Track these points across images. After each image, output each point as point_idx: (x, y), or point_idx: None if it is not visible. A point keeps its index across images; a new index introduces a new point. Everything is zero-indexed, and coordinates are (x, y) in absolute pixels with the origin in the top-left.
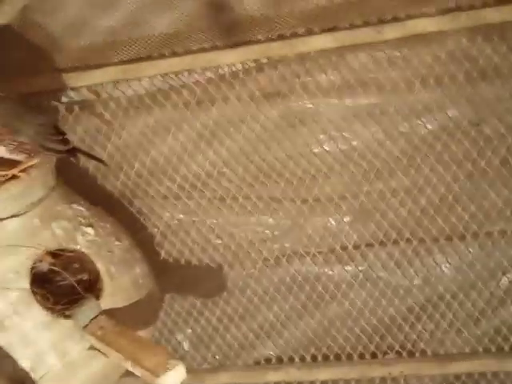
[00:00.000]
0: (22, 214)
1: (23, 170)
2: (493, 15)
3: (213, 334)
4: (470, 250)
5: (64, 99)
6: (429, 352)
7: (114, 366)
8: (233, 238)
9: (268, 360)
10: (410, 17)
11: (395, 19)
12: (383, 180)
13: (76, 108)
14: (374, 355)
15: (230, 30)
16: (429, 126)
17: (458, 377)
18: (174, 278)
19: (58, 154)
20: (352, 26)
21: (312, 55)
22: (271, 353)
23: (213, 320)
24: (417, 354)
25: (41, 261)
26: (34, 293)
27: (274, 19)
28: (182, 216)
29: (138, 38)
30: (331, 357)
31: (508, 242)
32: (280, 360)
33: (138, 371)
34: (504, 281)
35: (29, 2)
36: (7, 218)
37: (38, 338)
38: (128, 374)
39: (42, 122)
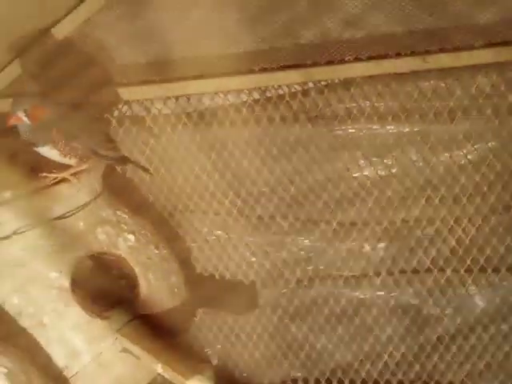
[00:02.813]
0: (68, 216)
1: (73, 174)
2: None
3: (242, 351)
4: (504, 283)
5: (116, 112)
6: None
7: (144, 369)
8: (268, 257)
9: (294, 381)
10: (456, 49)
11: (442, 50)
12: (420, 208)
13: (127, 121)
14: (400, 383)
15: (278, 52)
16: (469, 157)
17: None
18: (208, 292)
19: (107, 160)
20: (398, 55)
21: (358, 81)
22: (298, 374)
23: (242, 337)
24: None
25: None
26: (74, 293)
27: (323, 44)
28: (219, 232)
29: (189, 57)
30: (358, 382)
31: None
32: (306, 381)
33: (168, 374)
34: None
35: (90, 17)
36: (55, 218)
37: (74, 337)
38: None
39: (95, 129)
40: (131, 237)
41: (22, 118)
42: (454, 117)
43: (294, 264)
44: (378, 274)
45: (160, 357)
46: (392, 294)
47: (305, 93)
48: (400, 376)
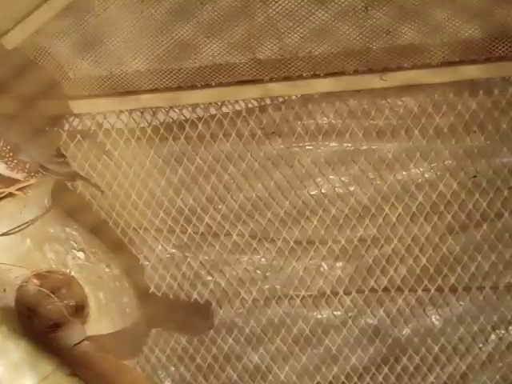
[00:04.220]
0: (13, 233)
1: (20, 189)
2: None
3: (196, 374)
4: (461, 303)
5: (67, 126)
6: None
7: None
8: (223, 276)
9: None
10: (414, 67)
11: (399, 68)
12: (378, 227)
13: (78, 135)
14: None
15: (235, 68)
16: (426, 175)
17: None
18: (161, 312)
19: (57, 175)
20: (356, 72)
21: (315, 98)
22: None
23: (197, 359)
24: None
25: (27, 282)
26: (20, 313)
27: (280, 61)
28: (174, 250)
29: (143, 70)
30: None
31: (500, 298)
32: None
33: None
34: (493, 337)
35: (39, 28)
36: (0, 235)
37: (18, 357)
38: None
39: (44, 142)
40: (81, 254)
41: None
42: (412, 135)
43: (250, 283)
44: (335, 294)
45: (109, 379)
46: (349, 314)
47: (262, 109)
48: None
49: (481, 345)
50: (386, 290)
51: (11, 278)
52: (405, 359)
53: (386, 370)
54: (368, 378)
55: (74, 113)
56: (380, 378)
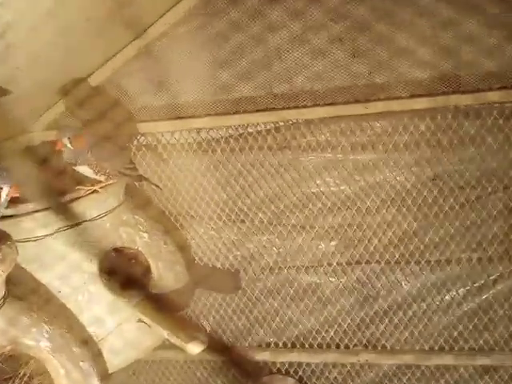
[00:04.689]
0: (99, 219)
1: (102, 187)
2: (446, 100)
3: (228, 322)
4: (424, 272)
5: (135, 142)
6: (388, 346)
7: (155, 335)
8: (248, 251)
9: (268, 344)
10: (389, 98)
11: (378, 99)
12: (361, 216)
13: (143, 148)
14: (347, 346)
15: (257, 99)
16: (397, 178)
17: (408, 366)
18: (203, 277)
19: (128, 177)
20: (346, 103)
21: (316, 122)
22: (271, 339)
23: (229, 311)
24: (379, 348)
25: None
26: (102, 276)
27: (290, 94)
28: (212, 232)
29: (191, 101)
30: (315, 345)
31: (452, 269)
32: (277, 345)
33: (172, 339)
34: (447, 297)
35: (117, 68)
36: (89, 220)
37: (101, 310)
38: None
39: (119, 153)
40: (146, 235)
41: (66, 144)
42: (387, 148)
43: (267, 257)
44: (330, 265)
45: (166, 326)
46: (341, 280)
47: (277, 129)
48: (346, 341)
49: (438, 303)
50: (367, 262)
51: (96, 252)
52: (381, 313)
53: (367, 320)
54: (354, 326)
55: (140, 132)
56: (363, 327)
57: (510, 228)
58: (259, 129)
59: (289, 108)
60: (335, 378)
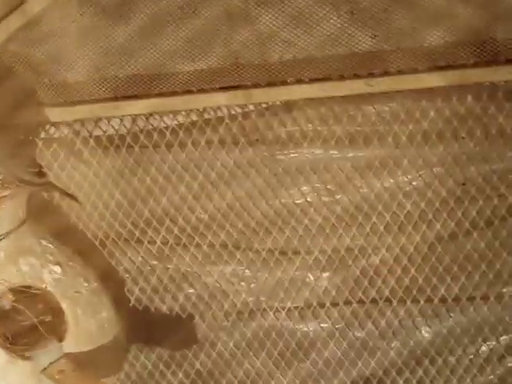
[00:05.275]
0: None
1: None
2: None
3: None
4: (451, 314)
5: (43, 134)
6: None
7: None
8: (206, 288)
9: None
10: (400, 72)
11: (386, 73)
12: (365, 236)
13: (54, 144)
14: None
15: (217, 73)
16: (414, 183)
17: None
18: (142, 327)
19: (32, 186)
20: (341, 78)
21: (300, 104)
22: None
23: (179, 375)
24: None
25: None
26: None
27: (263, 65)
28: (155, 262)
29: (121, 76)
30: None
31: (490, 308)
32: None
33: None
34: (484, 348)
35: (14, 33)
36: None
37: None
38: None
39: (19, 152)
40: (57, 268)
41: None
42: (399, 141)
43: (234, 295)
44: (321, 306)
45: None
46: (337, 326)
47: (245, 115)
48: None
49: (471, 356)
50: (373, 301)
51: None
52: (394, 372)
53: (374, 383)
54: None
55: (51, 121)
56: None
57: None
58: (220, 114)
59: (261, 85)
60: None
